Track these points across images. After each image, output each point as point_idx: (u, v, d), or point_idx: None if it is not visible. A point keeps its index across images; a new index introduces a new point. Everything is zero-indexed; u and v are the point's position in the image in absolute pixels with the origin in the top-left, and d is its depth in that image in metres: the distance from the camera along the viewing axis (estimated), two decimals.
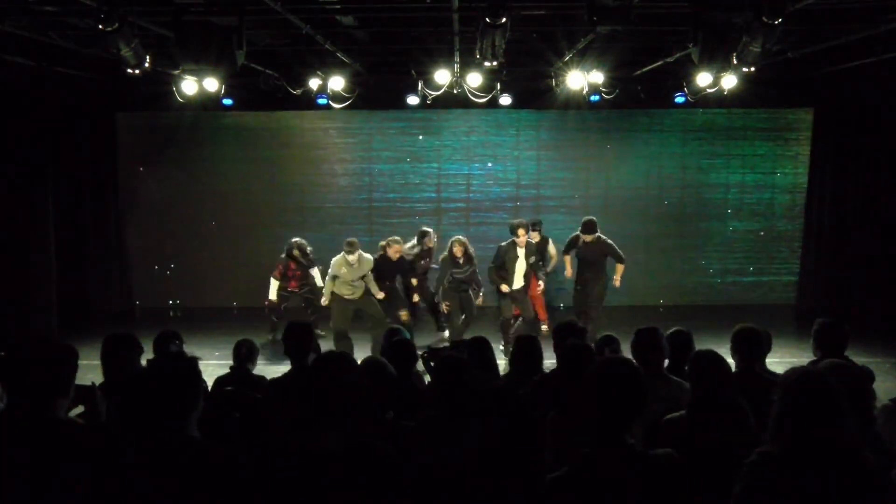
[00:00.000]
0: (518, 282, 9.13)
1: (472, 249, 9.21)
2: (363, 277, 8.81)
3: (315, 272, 10.15)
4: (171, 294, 11.97)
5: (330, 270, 8.78)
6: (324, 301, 9.00)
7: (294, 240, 10.06)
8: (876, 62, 8.34)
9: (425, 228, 10.01)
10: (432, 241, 9.93)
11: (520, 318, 9.35)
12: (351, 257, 8.63)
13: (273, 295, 9.95)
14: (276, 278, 9.93)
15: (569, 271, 9.68)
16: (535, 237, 9.75)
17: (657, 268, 12.13)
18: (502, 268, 9.07)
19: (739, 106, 10.98)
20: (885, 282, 10.74)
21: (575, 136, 12.00)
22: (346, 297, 8.78)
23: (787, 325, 9.70)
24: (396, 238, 9.31)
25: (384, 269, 9.12)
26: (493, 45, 6.47)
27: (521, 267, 9.12)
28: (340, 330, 8.79)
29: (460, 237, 9.25)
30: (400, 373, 4.08)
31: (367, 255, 8.90)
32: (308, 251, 10.06)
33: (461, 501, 2.77)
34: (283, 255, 10.01)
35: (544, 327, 10.01)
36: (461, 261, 9.07)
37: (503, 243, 9.21)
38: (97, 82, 10.05)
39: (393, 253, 9.15)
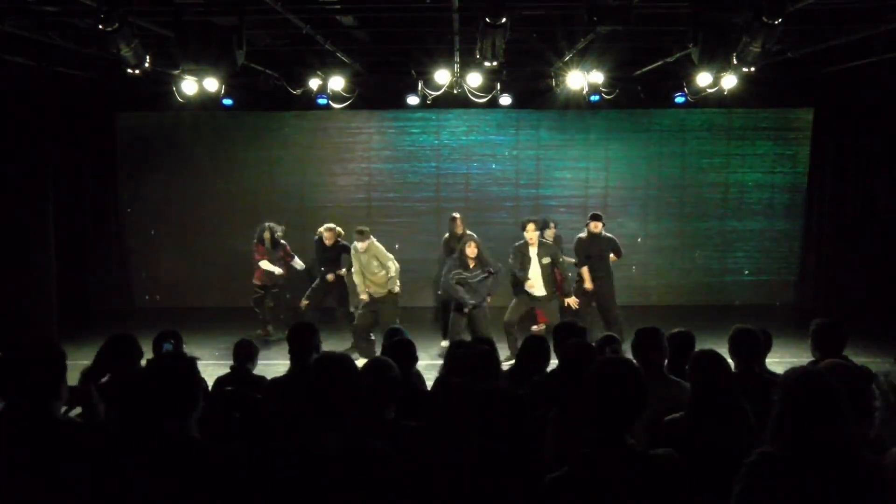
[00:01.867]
0: (538, 288, 8.65)
1: (486, 253, 8.65)
2: (382, 267, 8.77)
3: (297, 262, 10.01)
4: (172, 294, 11.97)
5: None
6: (362, 296, 8.87)
7: (266, 223, 9.88)
8: (876, 62, 8.34)
9: (454, 214, 9.89)
10: (460, 227, 9.63)
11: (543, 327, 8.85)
12: (360, 245, 8.70)
13: (277, 270, 9.85)
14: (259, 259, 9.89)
15: (588, 283, 8.96)
16: (549, 235, 9.63)
17: (657, 268, 12.13)
18: (522, 269, 8.66)
19: (739, 106, 10.99)
20: (885, 282, 10.74)
21: (575, 136, 12.00)
22: (371, 293, 8.80)
23: (787, 325, 9.68)
24: (331, 225, 9.44)
25: (320, 254, 9.44)
26: (493, 45, 6.47)
27: (535, 270, 8.61)
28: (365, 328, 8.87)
29: (474, 235, 8.94)
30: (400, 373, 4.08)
31: (378, 245, 8.90)
32: (277, 236, 9.85)
33: (461, 502, 2.77)
34: (254, 240, 9.91)
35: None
36: (472, 263, 8.42)
37: (518, 242, 8.90)
38: (97, 82, 10.05)
39: (327, 238, 9.30)
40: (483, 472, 2.71)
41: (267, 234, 9.79)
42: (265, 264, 9.83)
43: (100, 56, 7.70)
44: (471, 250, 8.42)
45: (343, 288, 9.51)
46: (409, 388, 4.31)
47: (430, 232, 11.96)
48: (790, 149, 11.98)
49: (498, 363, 4.35)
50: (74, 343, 7.98)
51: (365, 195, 12.16)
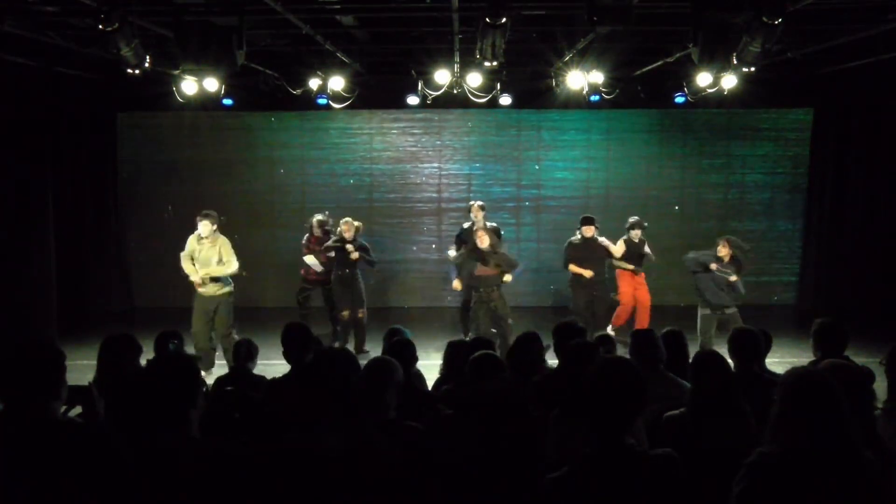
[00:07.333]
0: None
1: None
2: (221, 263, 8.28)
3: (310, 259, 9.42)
4: (172, 294, 11.94)
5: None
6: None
7: (316, 217, 9.41)
8: (876, 62, 8.34)
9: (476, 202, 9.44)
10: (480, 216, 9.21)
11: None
12: (204, 230, 8.21)
13: (316, 266, 9.27)
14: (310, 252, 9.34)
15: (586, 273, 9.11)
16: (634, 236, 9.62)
17: (657, 268, 12.10)
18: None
19: (739, 106, 10.97)
20: (885, 282, 10.73)
21: (575, 136, 12.00)
22: (199, 290, 8.26)
23: (787, 325, 9.69)
24: (346, 218, 9.01)
25: (339, 252, 8.95)
26: (493, 46, 6.47)
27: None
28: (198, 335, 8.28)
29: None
30: None
31: (225, 239, 8.48)
32: (328, 227, 9.32)
33: (461, 501, 2.78)
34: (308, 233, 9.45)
35: None
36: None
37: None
38: (97, 82, 10.05)
39: (346, 232, 8.86)
40: (483, 471, 2.71)
41: (317, 226, 9.26)
42: (309, 258, 9.35)
43: (100, 56, 7.71)
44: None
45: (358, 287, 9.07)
46: (409, 389, 4.32)
47: (431, 232, 11.96)
48: (790, 149, 11.98)
49: (503, 364, 4.35)
50: (74, 343, 7.98)
51: (366, 195, 12.15)
